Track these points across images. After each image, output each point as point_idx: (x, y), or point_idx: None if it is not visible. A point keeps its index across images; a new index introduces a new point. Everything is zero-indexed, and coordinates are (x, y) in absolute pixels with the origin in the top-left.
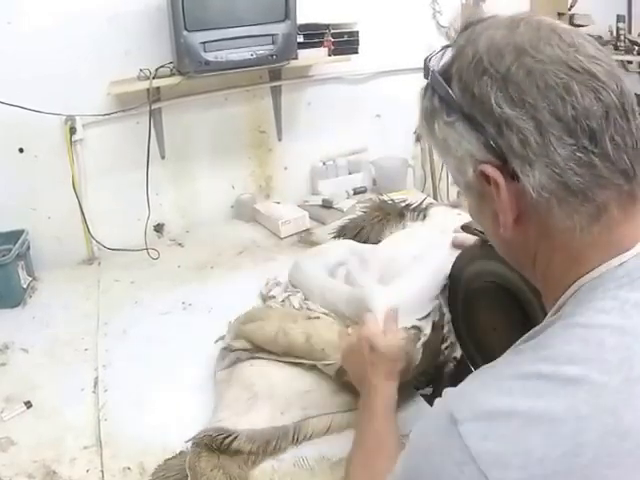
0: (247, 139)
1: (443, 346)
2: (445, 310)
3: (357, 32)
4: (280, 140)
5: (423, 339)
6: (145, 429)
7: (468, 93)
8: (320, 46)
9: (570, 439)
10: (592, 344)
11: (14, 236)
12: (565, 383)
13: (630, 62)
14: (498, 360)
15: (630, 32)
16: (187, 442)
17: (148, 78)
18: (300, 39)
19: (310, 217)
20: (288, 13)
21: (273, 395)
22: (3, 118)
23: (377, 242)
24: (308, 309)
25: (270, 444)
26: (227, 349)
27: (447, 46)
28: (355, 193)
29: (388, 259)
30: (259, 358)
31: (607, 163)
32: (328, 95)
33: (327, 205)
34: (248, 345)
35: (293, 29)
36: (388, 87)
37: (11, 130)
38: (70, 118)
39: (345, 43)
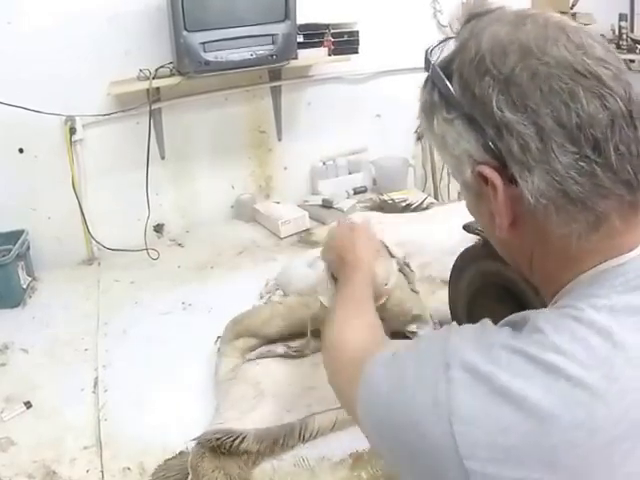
0: (247, 139)
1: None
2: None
3: (357, 32)
4: (280, 140)
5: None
6: (145, 429)
7: (469, 92)
8: (320, 46)
9: (538, 421)
10: (579, 339)
11: (14, 236)
12: (545, 369)
13: (632, 61)
14: (501, 327)
15: (632, 31)
16: (192, 441)
17: (148, 78)
18: (300, 39)
19: (310, 217)
20: (288, 13)
21: (279, 393)
22: (3, 118)
23: None
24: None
25: (277, 443)
26: (223, 354)
27: (449, 37)
28: (355, 193)
29: None
30: (264, 357)
31: (609, 173)
32: (328, 95)
33: (327, 205)
34: (251, 341)
35: (293, 29)
36: (388, 87)
37: (11, 130)
38: (70, 118)
39: (345, 43)
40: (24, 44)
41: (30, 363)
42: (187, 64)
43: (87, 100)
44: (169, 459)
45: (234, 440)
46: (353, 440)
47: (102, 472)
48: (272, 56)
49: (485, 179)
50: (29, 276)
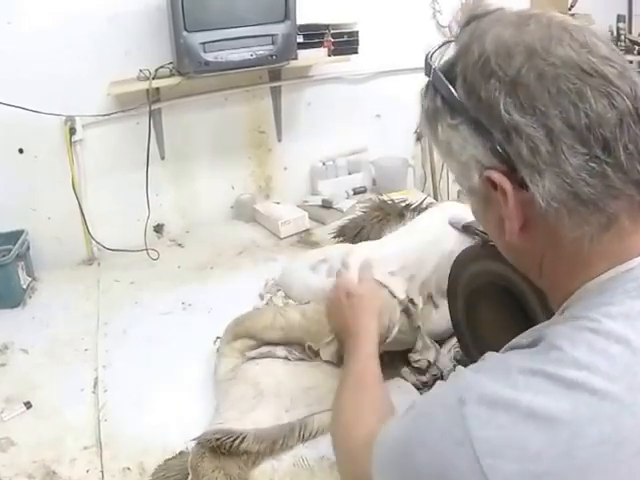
0: (247, 139)
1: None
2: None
3: (357, 32)
4: (280, 140)
5: (400, 299)
6: (145, 429)
7: (474, 96)
8: (320, 46)
9: (567, 441)
10: (597, 350)
11: (14, 236)
12: (567, 386)
13: (630, 62)
14: (510, 352)
15: (630, 32)
16: (192, 441)
17: (148, 78)
18: (300, 39)
19: (310, 217)
20: (288, 13)
21: (279, 393)
22: (3, 118)
23: None
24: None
25: (277, 443)
26: (222, 354)
27: (449, 41)
28: (355, 193)
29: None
30: (264, 357)
31: (620, 174)
32: (328, 95)
33: (327, 205)
34: (250, 342)
35: (293, 29)
36: (388, 87)
37: (11, 130)
38: (70, 118)
39: (345, 43)
40: (24, 44)
41: (30, 363)
42: (187, 64)
43: (87, 100)
44: (169, 459)
45: (234, 440)
46: None
47: (102, 472)
48: (272, 56)
49: (494, 184)
50: (29, 276)
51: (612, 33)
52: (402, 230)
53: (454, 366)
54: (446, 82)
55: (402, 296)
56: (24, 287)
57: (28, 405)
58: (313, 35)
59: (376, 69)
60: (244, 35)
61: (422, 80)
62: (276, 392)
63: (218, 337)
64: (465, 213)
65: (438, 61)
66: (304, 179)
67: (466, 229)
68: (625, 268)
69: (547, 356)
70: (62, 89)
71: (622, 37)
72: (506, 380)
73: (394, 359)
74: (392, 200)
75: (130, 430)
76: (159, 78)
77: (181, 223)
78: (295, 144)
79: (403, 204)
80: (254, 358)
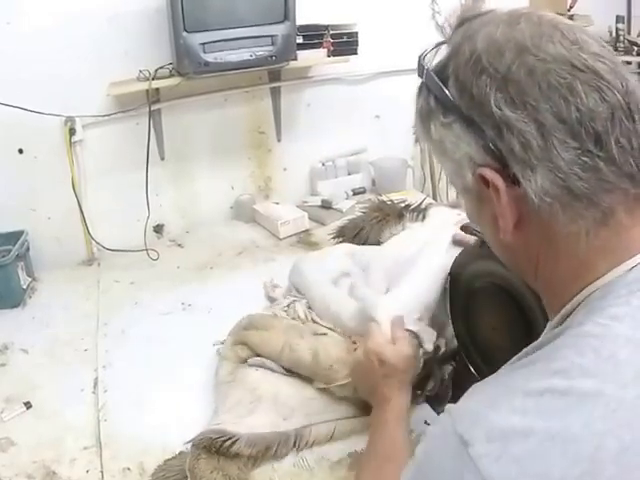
0: (246, 140)
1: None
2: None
3: (356, 33)
4: (279, 141)
5: (429, 350)
6: (145, 429)
7: (466, 94)
8: (319, 47)
9: (589, 457)
10: (605, 356)
11: (14, 237)
12: (580, 398)
13: (629, 63)
14: (502, 372)
15: (629, 33)
16: (186, 444)
17: (147, 79)
18: (299, 40)
19: (309, 218)
20: (287, 14)
21: (277, 400)
22: (3, 119)
23: (377, 243)
24: (314, 321)
25: (270, 449)
26: (224, 357)
27: (442, 43)
28: (354, 194)
29: (391, 264)
30: (265, 367)
31: (613, 167)
32: (327, 96)
33: (326, 206)
34: (250, 352)
35: (292, 30)
36: (387, 88)
37: (11, 131)
38: (70, 119)
39: (344, 44)
40: (24, 44)
41: (30, 363)
42: (187, 65)
43: (87, 101)
44: (169, 459)
45: (225, 441)
46: (351, 445)
47: (102, 472)
48: (272, 57)
49: (486, 182)
50: (29, 276)
51: (611, 34)
52: (420, 269)
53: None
54: (438, 82)
55: (430, 348)
56: (24, 287)
57: (28, 405)
58: (313, 36)
59: (375, 70)
60: (244, 36)
61: (417, 86)
62: (274, 399)
63: (221, 342)
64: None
65: (431, 62)
66: (304, 179)
67: (465, 229)
68: (626, 268)
69: (550, 370)
70: (62, 89)
71: (621, 38)
72: (511, 407)
73: None
74: (391, 201)
75: (130, 430)
76: (159, 79)
77: (181, 223)
78: (295, 145)
79: (402, 205)
80: (254, 365)
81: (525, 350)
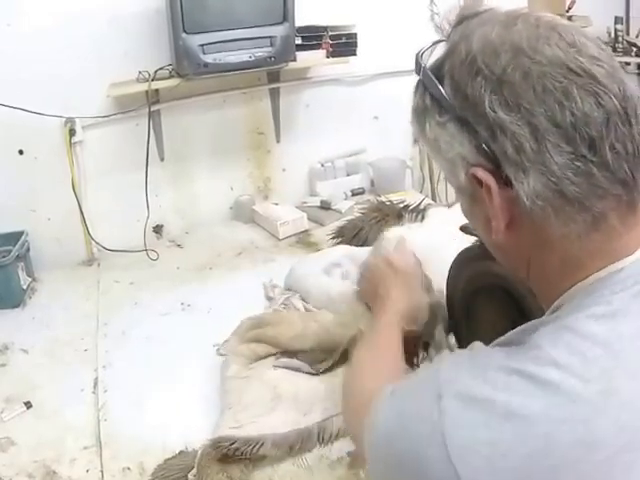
0: (246, 141)
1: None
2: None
3: (355, 34)
4: (278, 142)
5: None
6: (145, 429)
7: (460, 94)
8: (318, 48)
9: (540, 439)
10: (576, 351)
11: (14, 237)
12: (543, 385)
13: (628, 64)
14: (495, 348)
15: (628, 33)
16: (207, 441)
17: (147, 80)
18: (298, 41)
19: (308, 218)
20: (286, 15)
21: (297, 398)
22: (3, 119)
23: None
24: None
25: (294, 448)
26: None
27: (440, 40)
28: (353, 194)
29: None
30: (289, 368)
31: (606, 172)
32: (326, 97)
33: (325, 206)
34: (268, 349)
35: (291, 31)
36: (386, 89)
37: (11, 132)
38: (70, 120)
39: (343, 45)
40: (24, 44)
41: (30, 363)
42: (186, 66)
43: (87, 101)
44: (169, 459)
45: (252, 447)
46: (351, 443)
47: (102, 472)
48: (271, 58)
49: (479, 182)
50: (29, 277)
51: (609, 35)
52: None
53: None
54: (434, 80)
55: (435, 292)
56: (24, 288)
57: (28, 405)
58: (312, 37)
59: (374, 71)
60: (243, 37)
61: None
62: (295, 397)
63: (225, 340)
64: None
65: (428, 60)
66: (303, 180)
67: (463, 229)
68: (615, 268)
69: (527, 355)
70: (62, 90)
71: (620, 39)
72: (484, 378)
73: None
74: (390, 201)
75: (130, 430)
76: (158, 80)
77: (180, 224)
78: (294, 145)
79: (401, 205)
80: (278, 367)
81: (516, 329)
